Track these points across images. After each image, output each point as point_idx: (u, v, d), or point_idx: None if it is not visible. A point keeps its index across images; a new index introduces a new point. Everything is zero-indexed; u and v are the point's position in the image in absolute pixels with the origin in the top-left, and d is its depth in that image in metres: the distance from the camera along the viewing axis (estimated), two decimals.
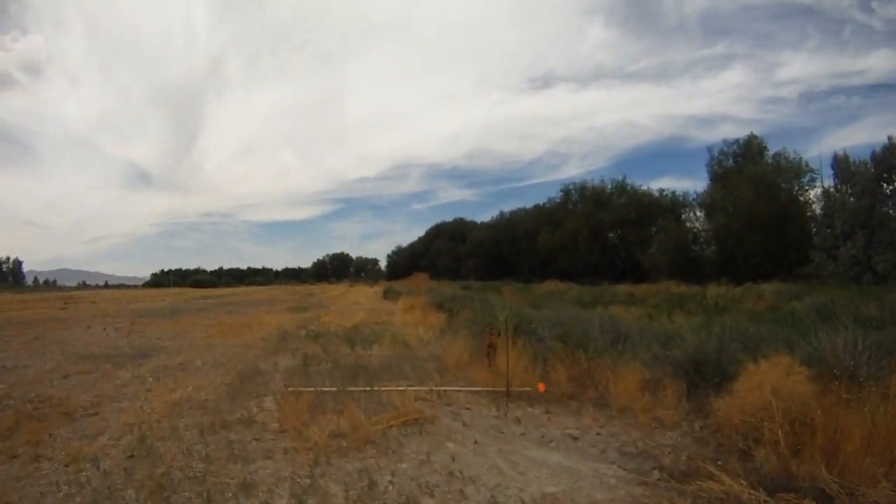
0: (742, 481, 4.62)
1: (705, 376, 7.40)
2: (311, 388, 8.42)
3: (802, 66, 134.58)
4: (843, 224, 34.33)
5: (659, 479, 5.11)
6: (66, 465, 5.57)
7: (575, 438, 6.46)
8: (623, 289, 36.45)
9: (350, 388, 8.34)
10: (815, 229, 39.41)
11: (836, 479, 4.56)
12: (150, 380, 9.93)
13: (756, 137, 51.38)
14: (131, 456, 5.77)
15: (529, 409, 7.66)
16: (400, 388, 8.25)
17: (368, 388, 8.37)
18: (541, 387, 8.01)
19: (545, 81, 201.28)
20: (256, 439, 6.26)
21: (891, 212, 33.38)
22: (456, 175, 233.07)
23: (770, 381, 5.90)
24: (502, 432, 6.64)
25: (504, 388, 8.21)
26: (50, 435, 6.64)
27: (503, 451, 5.92)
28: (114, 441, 6.35)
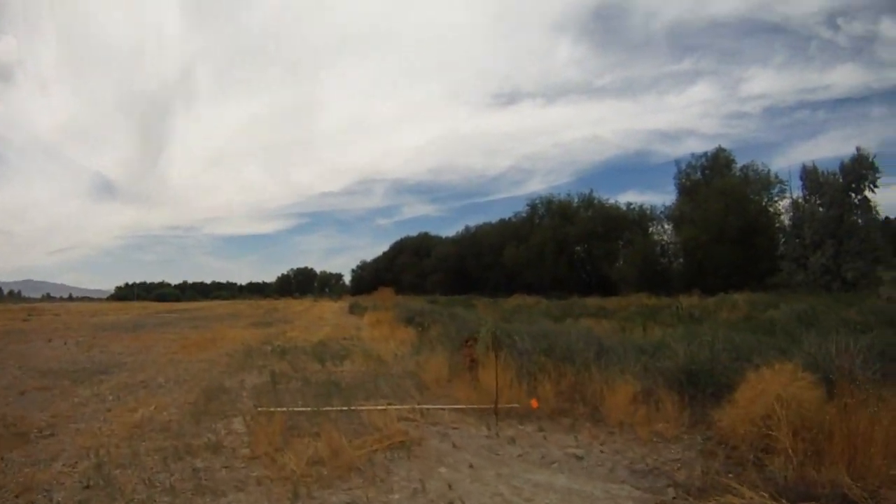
0: (763, 493, 4.40)
1: (699, 387, 7.19)
2: (283, 409, 7.82)
3: (768, 82, 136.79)
4: (813, 234, 34.84)
5: (675, 498, 4.84)
6: (17, 496, 4.96)
7: (579, 458, 6.01)
8: (592, 302, 36.16)
9: (325, 409, 7.75)
10: (783, 240, 39.87)
11: (857, 484, 4.42)
12: (111, 398, 9.31)
13: (724, 150, 51.92)
14: (87, 486, 5.14)
15: (521, 427, 7.18)
16: (380, 408, 7.68)
17: (345, 408, 7.78)
18: (534, 403, 7.53)
19: (511, 97, 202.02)
20: (226, 467, 5.64)
21: (859, 221, 33.91)
22: (420, 190, 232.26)
23: (773, 389, 5.74)
24: (497, 454, 6.14)
25: (491, 406, 7.70)
26: (2, 459, 6.05)
27: (503, 475, 5.42)
28: (69, 468, 5.74)
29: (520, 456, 6.07)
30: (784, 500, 4.25)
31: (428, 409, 7.93)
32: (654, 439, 6.47)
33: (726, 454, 5.72)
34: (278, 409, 7.80)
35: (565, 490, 5.02)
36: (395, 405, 8.05)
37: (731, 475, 5.03)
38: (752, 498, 4.38)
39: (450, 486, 5.03)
